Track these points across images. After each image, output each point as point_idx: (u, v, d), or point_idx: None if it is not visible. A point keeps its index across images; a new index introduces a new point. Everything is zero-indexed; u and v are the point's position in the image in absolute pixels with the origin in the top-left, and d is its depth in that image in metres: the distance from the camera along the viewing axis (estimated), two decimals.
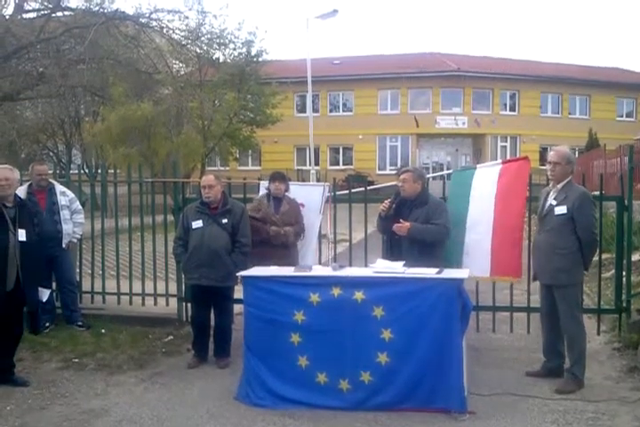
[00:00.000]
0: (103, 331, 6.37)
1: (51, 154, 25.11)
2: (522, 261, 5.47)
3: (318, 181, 21.11)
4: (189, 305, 6.10)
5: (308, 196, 6.15)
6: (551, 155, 4.92)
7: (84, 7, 17.61)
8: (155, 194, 7.21)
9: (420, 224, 5.13)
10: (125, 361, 5.54)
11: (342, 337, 4.40)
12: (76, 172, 7.58)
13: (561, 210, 4.74)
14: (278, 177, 5.89)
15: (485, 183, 5.62)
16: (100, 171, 10.05)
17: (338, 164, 34.41)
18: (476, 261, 5.49)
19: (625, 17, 73.68)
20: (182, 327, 6.45)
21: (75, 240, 6.65)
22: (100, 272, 7.16)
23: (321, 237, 6.42)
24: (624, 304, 5.86)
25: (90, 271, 7.19)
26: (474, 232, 5.58)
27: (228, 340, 5.53)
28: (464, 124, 33.61)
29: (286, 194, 5.93)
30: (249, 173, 21.99)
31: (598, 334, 5.92)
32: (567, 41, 71.10)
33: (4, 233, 4.73)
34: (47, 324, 6.36)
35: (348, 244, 6.47)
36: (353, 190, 6.57)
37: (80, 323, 6.52)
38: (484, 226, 5.53)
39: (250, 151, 31.14)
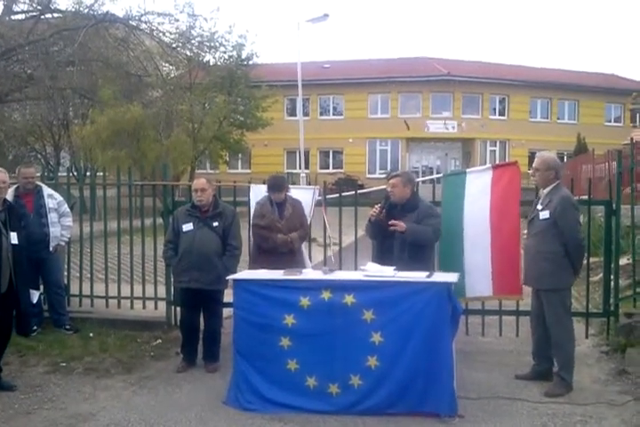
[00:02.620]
0: (91, 335, 6.32)
1: (39, 156, 24.94)
2: (521, 276, 5.46)
3: (308, 184, 21.10)
4: (178, 309, 6.07)
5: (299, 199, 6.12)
6: (534, 161, 4.97)
7: (73, 9, 17.57)
8: (144, 197, 7.18)
9: (414, 225, 5.13)
10: (113, 365, 5.50)
11: (332, 341, 4.39)
12: (65, 174, 7.49)
13: (544, 215, 4.80)
14: (276, 188, 5.67)
15: (478, 194, 5.62)
16: (88, 173, 9.99)
17: (328, 167, 34.44)
18: (478, 281, 5.50)
19: (615, 23, 74.51)
20: (171, 331, 6.41)
21: (62, 243, 6.60)
22: (89, 275, 7.11)
23: (311, 240, 6.42)
24: (612, 308, 5.90)
25: (78, 274, 7.14)
26: (473, 252, 5.56)
27: (218, 344, 5.50)
28: (454, 128, 33.77)
29: (288, 195, 5.82)
30: (239, 177, 21.94)
31: (587, 337, 5.95)
32: (556, 46, 71.74)
33: None
34: (35, 327, 6.31)
35: (337, 247, 6.46)
36: (343, 194, 6.57)
37: (68, 326, 6.47)
38: (483, 243, 5.52)
39: (240, 154, 31.11)
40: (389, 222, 5.12)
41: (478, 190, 5.63)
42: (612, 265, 5.94)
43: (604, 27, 74.90)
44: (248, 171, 32.34)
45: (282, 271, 4.81)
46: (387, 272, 4.62)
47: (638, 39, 71.86)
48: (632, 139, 6.54)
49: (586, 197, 6.23)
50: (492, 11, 78.30)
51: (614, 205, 5.87)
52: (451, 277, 4.61)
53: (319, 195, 6.29)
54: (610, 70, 46.12)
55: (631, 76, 36.75)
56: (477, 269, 5.53)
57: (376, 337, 4.35)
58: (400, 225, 5.07)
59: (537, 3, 75.37)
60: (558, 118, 34.93)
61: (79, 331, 6.42)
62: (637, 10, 72.58)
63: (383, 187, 5.58)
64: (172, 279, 6.01)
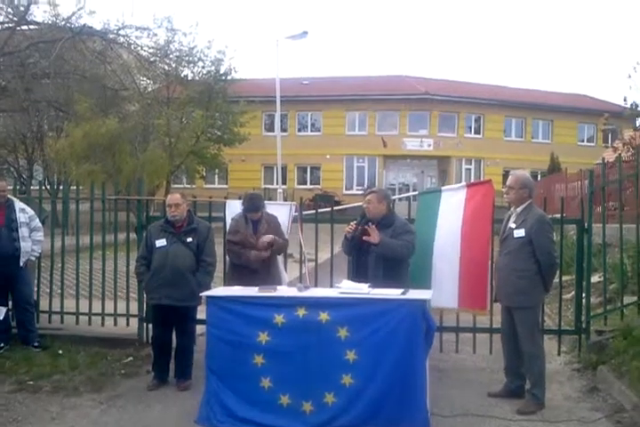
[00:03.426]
0: (60, 352, 6.18)
1: (11, 169, 24.55)
2: (488, 292, 5.54)
3: (285, 200, 21.11)
4: (150, 326, 5.98)
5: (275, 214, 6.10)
6: (508, 179, 5.03)
7: (50, 21, 17.47)
8: (118, 211, 7.10)
9: (388, 238, 5.15)
10: (82, 383, 5.38)
11: (306, 358, 4.36)
12: (37, 188, 7.40)
13: (519, 233, 4.84)
14: (253, 209, 5.61)
15: (452, 211, 5.68)
16: (62, 187, 9.87)
17: (305, 183, 34.51)
18: (444, 291, 5.52)
19: (587, 45, 76.32)
20: (142, 348, 6.30)
21: (33, 258, 6.48)
22: (59, 291, 6.98)
23: (287, 256, 6.39)
24: (584, 325, 5.95)
25: (48, 290, 7.01)
26: (441, 261, 5.62)
27: (190, 361, 5.43)
28: (430, 146, 34.14)
29: (264, 211, 5.76)
30: (215, 192, 21.80)
31: (559, 354, 5.99)
32: (531, 67, 73.21)
33: None
34: (1, 344, 6.16)
35: (313, 264, 6.45)
36: (320, 210, 6.57)
37: (36, 344, 6.32)
38: (452, 256, 5.58)
39: (217, 169, 31.00)
40: (364, 234, 5.13)
41: (452, 208, 5.70)
42: (584, 283, 6.01)
43: (577, 48, 76.72)
44: (225, 186, 32.25)
45: (256, 288, 4.78)
46: (361, 289, 4.62)
47: (609, 61, 73.72)
48: (604, 159, 6.63)
49: (559, 216, 6.32)
50: (469, 31, 79.83)
51: (586, 224, 5.96)
52: (425, 295, 4.62)
53: (296, 211, 6.28)
54: (583, 91, 47.07)
55: (603, 97, 37.56)
56: (444, 281, 5.58)
57: (350, 355, 4.32)
58: (373, 237, 5.08)
59: (512, 25, 77.00)
60: (532, 138, 35.53)
61: (48, 348, 6.27)
62: (609, 33, 74.62)
63: (360, 203, 5.60)
64: (145, 296, 5.93)
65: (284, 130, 29.57)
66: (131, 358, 6.05)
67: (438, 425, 4.33)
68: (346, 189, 33.65)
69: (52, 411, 4.77)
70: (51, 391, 5.20)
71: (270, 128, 33.01)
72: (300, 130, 35.19)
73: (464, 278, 5.55)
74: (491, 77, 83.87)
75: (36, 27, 17.68)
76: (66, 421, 4.59)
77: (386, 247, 5.10)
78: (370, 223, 5.21)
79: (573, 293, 6.47)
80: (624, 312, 6.09)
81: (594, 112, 29.30)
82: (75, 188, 8.34)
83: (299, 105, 33.17)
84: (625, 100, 15.47)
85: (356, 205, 6.37)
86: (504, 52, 77.48)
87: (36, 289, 6.86)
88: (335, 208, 6.71)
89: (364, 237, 5.12)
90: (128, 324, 6.66)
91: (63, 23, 17.42)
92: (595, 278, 7.04)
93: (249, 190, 6.58)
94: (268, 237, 5.53)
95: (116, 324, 6.74)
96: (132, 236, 6.77)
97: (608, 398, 4.91)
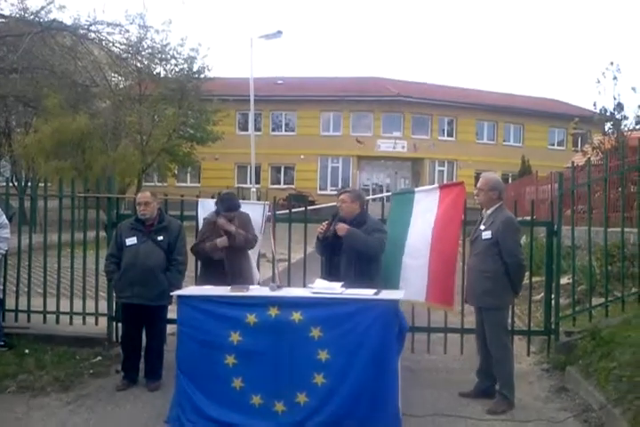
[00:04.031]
0: (27, 351, 6.05)
1: None
2: (455, 289, 5.60)
3: (259, 199, 21.04)
4: (119, 325, 5.89)
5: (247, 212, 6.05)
6: (479, 181, 5.08)
7: (18, 15, 17.10)
8: (87, 209, 6.97)
9: (358, 230, 5.16)
10: (50, 383, 5.28)
11: (279, 358, 4.33)
12: (4, 184, 7.24)
13: (487, 235, 4.90)
14: (232, 208, 5.60)
15: (425, 211, 5.72)
16: (29, 184, 9.67)
17: (279, 183, 34.48)
18: (412, 285, 5.56)
19: (560, 51, 77.66)
20: (112, 348, 6.21)
21: None
22: (26, 289, 6.82)
23: (260, 256, 6.35)
24: (553, 326, 6.04)
25: (14, 288, 6.85)
26: (412, 257, 5.67)
27: (160, 361, 5.36)
28: (403, 147, 34.38)
29: (240, 211, 5.73)
30: (188, 190, 21.71)
31: (528, 355, 6.06)
32: (504, 71, 74.16)
33: None
34: None
35: (287, 264, 6.42)
36: (293, 210, 6.54)
37: (2, 343, 6.17)
38: (422, 252, 5.63)
39: (189, 168, 30.74)
40: (336, 229, 5.16)
41: (425, 208, 5.75)
42: (553, 284, 6.09)
43: (549, 53, 77.98)
44: (197, 184, 31.99)
45: (228, 287, 4.73)
46: (334, 289, 4.61)
47: (580, 66, 75.10)
48: (573, 162, 6.76)
49: (529, 218, 6.40)
50: (443, 34, 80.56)
51: (555, 226, 6.04)
52: (398, 295, 4.64)
53: (269, 210, 6.25)
54: (554, 96, 47.82)
55: (574, 102, 38.18)
56: (413, 275, 5.62)
57: (323, 354, 4.31)
58: (341, 227, 5.10)
59: (485, 29, 77.94)
60: (504, 141, 36.03)
61: (14, 347, 6.13)
62: (580, 39, 76.03)
63: (334, 204, 5.60)
64: (114, 294, 5.84)
65: (257, 129, 29.46)
66: (99, 358, 5.95)
67: (410, 425, 4.34)
68: (320, 190, 33.69)
69: (17, 412, 4.67)
70: (17, 391, 5.09)
71: (244, 127, 32.88)
72: (274, 129, 35.13)
73: (433, 274, 5.60)
74: (464, 81, 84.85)
75: (4, 20, 17.29)
76: (32, 421, 4.49)
77: (354, 237, 5.12)
78: (328, 223, 5.29)
79: (543, 294, 6.56)
80: (592, 313, 6.19)
81: (564, 116, 29.78)
82: (43, 184, 8.15)
83: (273, 104, 33.12)
84: (594, 105, 15.80)
85: (330, 205, 6.36)
86: (477, 56, 78.49)
87: (2, 287, 6.70)
88: (309, 208, 6.69)
89: (336, 227, 5.15)
90: (97, 323, 6.54)
91: (32, 17, 17.06)
92: (564, 280, 7.16)
93: (222, 189, 6.50)
94: (227, 225, 5.49)
95: (84, 323, 6.62)
96: (102, 234, 6.65)
97: (576, 397, 4.99)
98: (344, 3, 78.86)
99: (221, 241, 5.49)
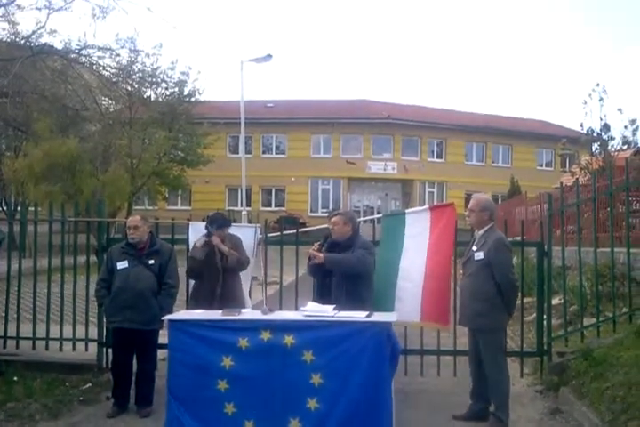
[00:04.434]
0: (15, 378, 5.96)
1: None
2: (450, 308, 5.59)
3: (250, 222, 21.00)
4: (110, 350, 5.82)
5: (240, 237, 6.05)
6: (470, 202, 5.12)
7: (8, 40, 17.21)
8: (78, 233, 6.95)
9: (334, 254, 5.17)
10: (38, 411, 5.19)
11: (271, 383, 4.30)
12: None
13: (479, 255, 4.92)
14: (225, 225, 5.66)
15: (417, 234, 5.74)
16: (19, 208, 9.63)
17: (270, 205, 34.51)
18: (407, 305, 5.56)
19: (547, 73, 78.83)
20: (102, 374, 6.13)
21: None
22: (15, 315, 6.75)
23: (252, 279, 6.32)
24: (545, 347, 6.03)
25: (3, 314, 6.77)
26: (406, 280, 5.66)
27: (151, 387, 5.30)
28: (393, 169, 34.59)
29: (229, 232, 5.74)
30: (178, 214, 21.59)
31: (522, 376, 6.03)
32: (493, 93, 75.18)
33: None
34: None
35: (278, 286, 6.40)
36: (285, 232, 6.55)
37: None
38: (417, 274, 5.63)
39: (180, 191, 30.72)
40: (309, 252, 5.18)
41: (417, 230, 5.76)
42: (545, 305, 6.10)
43: (537, 75, 79.19)
44: (188, 207, 31.98)
45: (220, 311, 4.71)
46: (326, 312, 4.60)
47: (567, 88, 76.21)
48: (562, 183, 6.83)
49: (519, 239, 6.43)
50: (431, 58, 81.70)
51: (546, 247, 6.07)
52: (390, 317, 4.63)
53: (260, 233, 6.25)
54: (541, 117, 48.42)
55: (561, 123, 38.67)
56: (408, 296, 5.61)
57: (316, 378, 4.28)
58: (318, 256, 5.13)
59: (475, 52, 79.18)
60: (493, 162, 36.34)
61: (3, 374, 6.04)
62: (568, 61, 77.28)
63: (325, 226, 5.62)
64: (105, 319, 5.79)
65: (248, 152, 29.55)
66: (89, 385, 5.87)
67: None
68: (311, 212, 33.73)
69: None
70: (5, 420, 5.00)
71: (235, 150, 32.96)
72: (264, 152, 35.27)
73: (427, 294, 5.59)
74: (452, 103, 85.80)
75: None
76: None
77: (333, 262, 5.16)
78: (320, 244, 5.34)
79: (535, 315, 6.56)
80: (584, 334, 6.19)
81: (552, 137, 30.17)
82: (33, 209, 8.12)
83: (263, 127, 33.31)
84: (582, 126, 16.03)
85: (321, 227, 6.36)
86: (466, 79, 79.48)
87: None
88: (300, 230, 6.70)
89: (309, 263, 5.18)
90: (87, 349, 6.47)
91: (23, 41, 17.18)
92: (555, 301, 7.17)
93: (212, 212, 6.50)
94: (221, 245, 5.53)
95: (74, 349, 6.53)
96: (92, 258, 6.61)
97: (570, 419, 4.96)
98: (334, 27, 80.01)
99: (198, 240, 5.54)
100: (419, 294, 5.61)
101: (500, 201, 27.19)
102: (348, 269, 5.16)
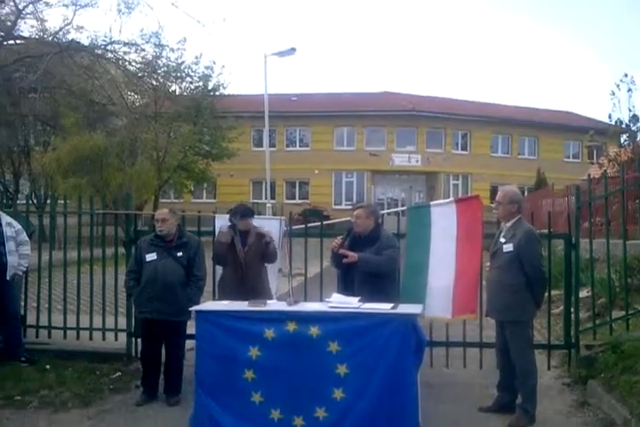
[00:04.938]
0: (48, 367, 6.10)
1: None
2: (477, 297, 5.57)
3: (274, 214, 21.11)
4: (139, 340, 5.93)
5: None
6: (497, 194, 5.08)
7: (37, 37, 17.48)
8: (106, 226, 7.06)
9: (368, 254, 5.16)
10: (70, 398, 5.31)
11: (298, 373, 4.34)
12: (24, 202, 7.35)
13: (508, 247, 4.87)
14: (248, 214, 5.71)
15: (444, 228, 5.68)
16: (48, 201, 9.81)
17: (294, 198, 34.59)
18: (437, 303, 5.54)
19: (574, 63, 77.50)
20: (131, 363, 6.24)
21: (20, 273, 6.42)
22: (47, 305, 6.91)
23: (278, 271, 6.37)
24: (573, 340, 5.98)
25: (35, 304, 6.93)
26: (436, 278, 5.61)
27: (179, 376, 5.38)
28: (417, 161, 34.39)
29: (254, 225, 5.77)
30: (203, 206, 21.72)
31: (549, 369, 6.00)
32: (518, 84, 74.17)
33: None
34: None
35: (303, 278, 6.44)
36: (309, 225, 6.58)
37: (24, 358, 6.24)
38: (447, 272, 5.58)
39: (205, 184, 30.99)
40: (340, 252, 5.17)
41: (444, 222, 5.71)
42: (573, 298, 6.04)
43: (564, 66, 77.88)
44: (213, 200, 32.20)
45: (246, 302, 4.76)
46: (352, 303, 4.62)
47: (595, 78, 74.88)
48: (589, 175, 6.72)
49: (546, 231, 6.37)
50: (456, 48, 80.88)
51: (573, 239, 6.01)
52: (415, 309, 4.63)
53: (285, 225, 6.29)
54: (568, 108, 47.70)
55: (588, 114, 38.08)
56: (439, 294, 5.57)
57: (341, 369, 4.31)
58: (351, 255, 5.10)
59: (500, 42, 78.17)
60: (519, 154, 35.93)
61: (35, 363, 6.19)
62: (595, 51, 75.92)
63: (349, 218, 5.62)
64: (134, 310, 5.89)
65: (272, 145, 29.66)
66: (119, 374, 5.99)
67: None
68: (335, 204, 33.74)
69: (39, 426, 4.70)
70: (38, 407, 5.13)
71: (259, 143, 33.08)
72: (288, 145, 35.34)
73: (458, 291, 5.55)
74: (477, 94, 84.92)
75: (23, 41, 17.67)
76: None
77: (365, 264, 5.13)
78: (343, 238, 5.31)
79: (562, 307, 6.51)
80: (613, 327, 6.13)
81: (579, 129, 29.67)
82: (62, 202, 8.27)
83: (287, 121, 33.33)
84: (610, 117, 15.75)
85: (344, 219, 6.38)
86: (491, 69, 78.49)
87: (23, 304, 6.79)
88: (325, 222, 6.72)
89: (343, 261, 5.16)
90: (116, 338, 6.60)
91: (50, 38, 17.43)
92: (583, 293, 7.09)
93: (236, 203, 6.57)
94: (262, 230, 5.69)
95: (104, 338, 6.67)
96: (121, 250, 6.72)
97: (599, 412, 4.92)
98: (357, 19, 79.52)
99: (222, 226, 5.64)
100: (450, 291, 5.56)
101: (526, 193, 26.93)
102: (379, 270, 5.17)
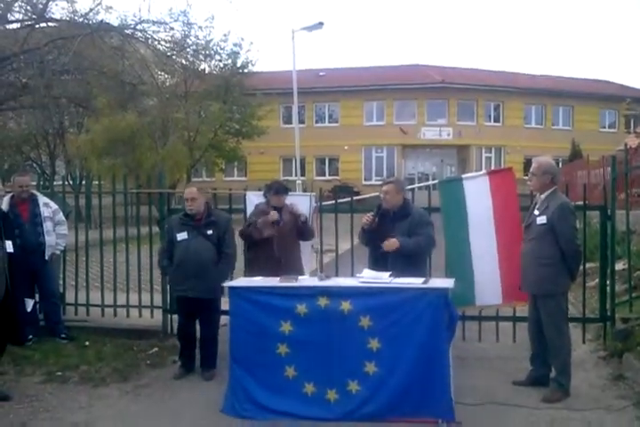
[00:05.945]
0: (87, 343, 6.29)
1: (34, 165, 24.92)
2: None
3: (304, 191, 21.11)
4: (174, 317, 6.05)
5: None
6: (532, 166, 4.98)
7: (68, 18, 17.58)
8: (140, 205, 7.16)
9: (407, 238, 5.12)
10: (109, 374, 5.48)
11: (330, 347, 4.37)
12: (60, 183, 7.51)
13: (542, 220, 4.79)
14: (282, 190, 5.75)
15: (479, 201, 5.60)
16: (84, 182, 9.98)
17: (324, 174, 34.52)
18: (487, 290, 5.52)
19: (609, 30, 75.02)
20: (167, 339, 6.39)
21: (58, 252, 6.58)
22: (84, 284, 7.08)
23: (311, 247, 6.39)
24: (608, 313, 5.90)
25: (73, 283, 7.12)
26: (481, 259, 5.55)
27: (214, 351, 5.49)
28: (449, 135, 33.90)
29: (287, 203, 5.82)
30: (235, 184, 21.94)
31: (584, 342, 5.94)
32: (549, 53, 72.16)
33: None
34: (30, 336, 6.27)
35: (334, 254, 6.45)
36: (339, 201, 6.57)
37: (63, 335, 6.44)
38: (490, 253, 5.52)
39: (236, 162, 31.13)
40: (383, 246, 5.11)
41: (478, 197, 5.62)
42: (608, 270, 5.94)
43: (598, 32, 75.41)
44: (244, 178, 32.40)
45: (278, 278, 4.80)
46: (383, 278, 4.61)
47: (631, 45, 72.35)
48: (626, 144, 6.54)
49: (581, 203, 6.25)
50: (486, 18, 78.83)
51: (609, 211, 5.88)
52: (447, 283, 4.60)
53: (315, 201, 6.29)
54: (604, 76, 46.33)
55: (625, 82, 36.92)
56: (487, 279, 5.53)
57: (373, 343, 4.33)
58: (393, 242, 5.06)
59: (531, 10, 75.90)
60: (553, 124, 35.10)
61: (75, 340, 6.39)
62: (628, 18, 73.19)
63: (378, 193, 5.58)
64: (169, 287, 5.99)
65: (301, 122, 29.56)
66: (156, 349, 6.13)
67: (463, 414, 4.31)
68: (365, 180, 33.57)
69: (80, 401, 4.87)
70: (78, 382, 5.30)
71: (288, 120, 32.97)
72: (317, 121, 35.14)
73: (505, 273, 5.47)
74: (509, 64, 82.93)
75: (55, 24, 17.80)
76: (94, 410, 4.68)
77: (407, 250, 5.11)
78: (374, 215, 5.25)
79: (597, 280, 6.41)
80: None
81: (615, 98, 28.78)
82: (97, 182, 8.41)
83: (316, 96, 33.09)
84: None
85: (375, 195, 6.34)
86: (522, 38, 76.47)
87: (61, 282, 6.98)
88: (355, 198, 6.70)
89: (384, 248, 5.11)
90: (152, 315, 6.75)
91: (81, 20, 17.50)
92: (619, 266, 6.97)
93: (268, 181, 6.59)
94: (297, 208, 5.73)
95: (140, 315, 6.83)
96: (155, 229, 6.83)
97: (634, 385, 4.86)
98: None
99: (273, 214, 5.58)
100: (497, 275, 5.51)
101: (560, 165, 26.40)
102: (421, 250, 5.19)
